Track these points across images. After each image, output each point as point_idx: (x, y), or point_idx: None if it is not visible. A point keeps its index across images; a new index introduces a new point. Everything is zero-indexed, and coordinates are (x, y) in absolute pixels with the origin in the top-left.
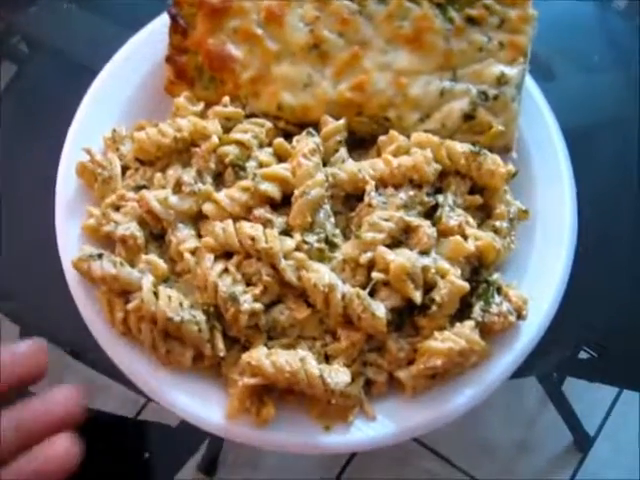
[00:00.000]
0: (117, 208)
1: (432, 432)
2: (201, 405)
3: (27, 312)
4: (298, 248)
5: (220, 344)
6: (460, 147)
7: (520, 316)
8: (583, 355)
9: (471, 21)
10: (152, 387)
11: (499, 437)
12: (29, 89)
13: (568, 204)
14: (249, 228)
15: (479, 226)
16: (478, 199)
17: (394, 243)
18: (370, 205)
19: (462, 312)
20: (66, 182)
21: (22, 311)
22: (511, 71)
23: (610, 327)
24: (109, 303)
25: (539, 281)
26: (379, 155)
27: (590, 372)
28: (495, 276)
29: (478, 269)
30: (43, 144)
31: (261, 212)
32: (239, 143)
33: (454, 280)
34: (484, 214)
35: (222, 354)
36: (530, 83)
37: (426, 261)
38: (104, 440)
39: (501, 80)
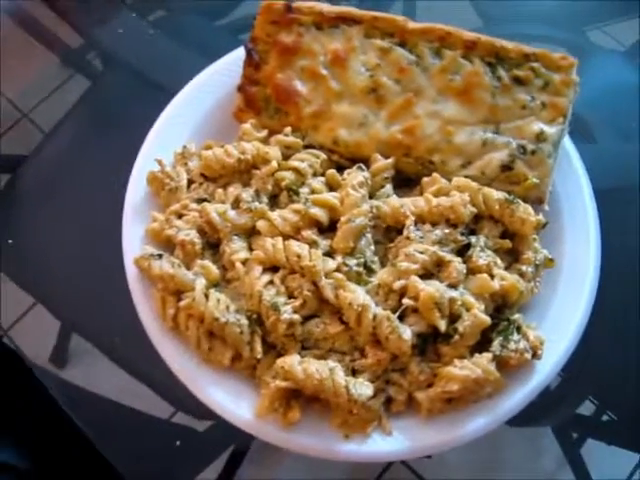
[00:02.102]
0: (180, 216)
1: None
2: (233, 402)
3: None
4: (338, 269)
5: (258, 347)
6: (496, 194)
7: (535, 355)
8: (603, 417)
9: (517, 81)
10: (192, 381)
11: None
12: (104, 102)
13: (592, 258)
14: (296, 246)
15: (506, 268)
16: (507, 243)
17: (426, 274)
18: (408, 238)
19: (482, 345)
20: (136, 188)
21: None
22: (550, 129)
23: (626, 389)
24: (163, 299)
25: (558, 325)
26: (421, 194)
27: (608, 434)
28: (516, 315)
29: (501, 307)
30: (115, 153)
31: (308, 233)
32: (296, 170)
33: (477, 314)
34: (512, 258)
35: (259, 356)
36: (568, 142)
37: (454, 294)
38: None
39: (540, 137)
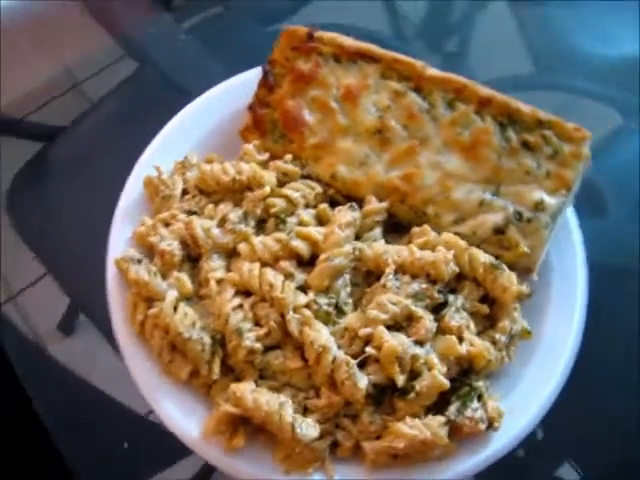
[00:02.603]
0: (167, 224)
1: None
2: (184, 417)
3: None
4: (308, 305)
5: (216, 368)
6: (482, 257)
7: (492, 426)
8: None
9: (526, 145)
10: (148, 388)
11: None
12: (139, 94)
13: (573, 335)
14: (271, 276)
15: (481, 333)
16: (485, 309)
17: (395, 326)
18: (384, 286)
19: (441, 405)
20: (133, 189)
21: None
22: (551, 200)
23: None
24: (134, 304)
25: (525, 399)
26: (410, 243)
27: None
28: (480, 383)
29: (468, 372)
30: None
31: (286, 264)
32: (287, 198)
33: (437, 375)
34: (489, 323)
35: (215, 377)
36: (571, 214)
37: (418, 351)
38: None
39: (539, 206)
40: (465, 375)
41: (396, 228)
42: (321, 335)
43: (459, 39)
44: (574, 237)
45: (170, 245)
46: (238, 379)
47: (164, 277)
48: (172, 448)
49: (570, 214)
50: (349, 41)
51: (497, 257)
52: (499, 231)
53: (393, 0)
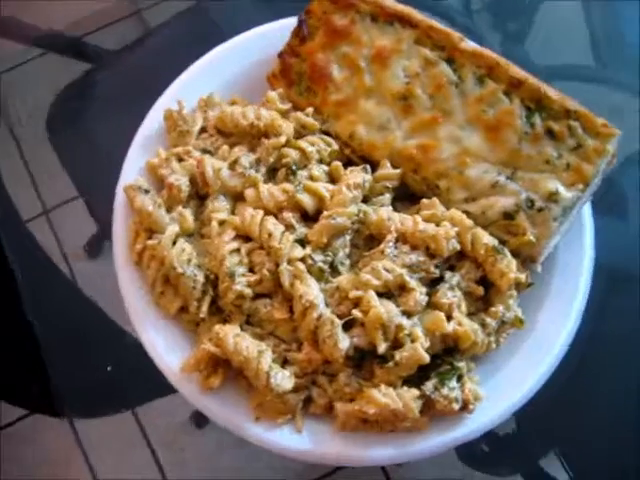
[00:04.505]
0: (180, 160)
1: None
2: (167, 349)
3: None
4: (304, 260)
5: (205, 307)
6: (485, 239)
7: (466, 408)
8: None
9: (550, 133)
10: (137, 316)
11: None
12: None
13: (565, 333)
14: (272, 225)
15: (471, 314)
16: (480, 290)
17: (386, 294)
18: (382, 252)
19: (421, 379)
20: (153, 120)
21: None
22: (566, 193)
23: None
24: (136, 232)
25: (505, 387)
26: (418, 213)
27: None
28: (461, 363)
29: (452, 350)
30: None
31: (289, 216)
32: (302, 151)
33: (418, 348)
34: (483, 307)
35: (202, 316)
36: (587, 213)
37: (404, 321)
38: None
39: (552, 197)
40: (449, 353)
41: (407, 197)
42: (310, 290)
43: (523, 21)
44: (586, 236)
45: (179, 180)
46: (225, 321)
47: (169, 210)
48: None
49: (586, 213)
50: (390, 1)
51: (503, 242)
52: (508, 216)
53: None
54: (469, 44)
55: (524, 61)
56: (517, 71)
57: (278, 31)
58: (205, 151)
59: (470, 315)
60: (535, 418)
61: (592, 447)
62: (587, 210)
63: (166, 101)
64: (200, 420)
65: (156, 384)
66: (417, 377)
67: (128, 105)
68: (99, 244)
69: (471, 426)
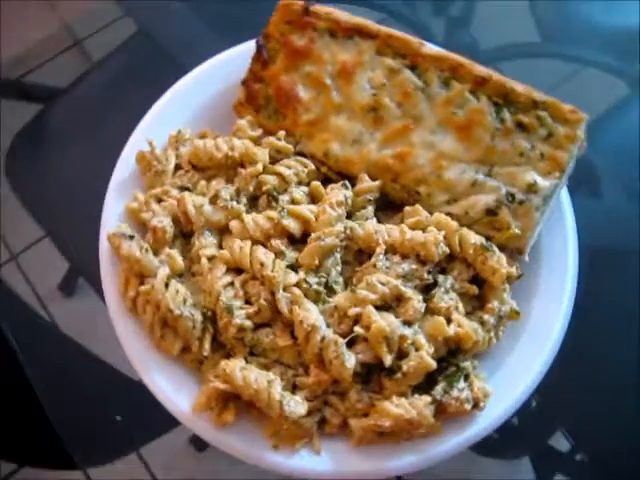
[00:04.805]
0: (159, 200)
1: None
2: (175, 392)
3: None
4: (298, 284)
5: (207, 345)
6: (473, 238)
7: (477, 406)
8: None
9: (521, 126)
10: (140, 363)
11: None
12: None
13: (561, 317)
14: (262, 254)
15: (470, 313)
16: (474, 289)
17: (384, 306)
18: (374, 266)
19: (429, 384)
20: (126, 164)
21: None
22: (543, 182)
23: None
24: (126, 280)
25: (510, 379)
26: (402, 222)
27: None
28: (466, 363)
29: (455, 352)
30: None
31: (277, 243)
32: (280, 176)
33: (424, 356)
34: (478, 304)
35: (205, 354)
36: (565, 197)
37: (406, 331)
38: None
39: (531, 188)
40: (452, 355)
41: (389, 206)
42: (310, 314)
43: (464, 4)
44: (567, 220)
45: (162, 222)
46: (228, 355)
47: (156, 253)
48: (166, 416)
49: (564, 196)
50: (345, 16)
51: (488, 238)
52: (491, 212)
53: None
54: (430, 48)
55: (471, 45)
56: (481, 69)
57: (238, 57)
58: (183, 188)
59: (468, 315)
60: (540, 401)
61: (596, 421)
62: (563, 192)
63: (135, 142)
64: (200, 443)
65: (159, 422)
66: (425, 383)
67: (83, 139)
68: (72, 281)
69: (483, 423)
